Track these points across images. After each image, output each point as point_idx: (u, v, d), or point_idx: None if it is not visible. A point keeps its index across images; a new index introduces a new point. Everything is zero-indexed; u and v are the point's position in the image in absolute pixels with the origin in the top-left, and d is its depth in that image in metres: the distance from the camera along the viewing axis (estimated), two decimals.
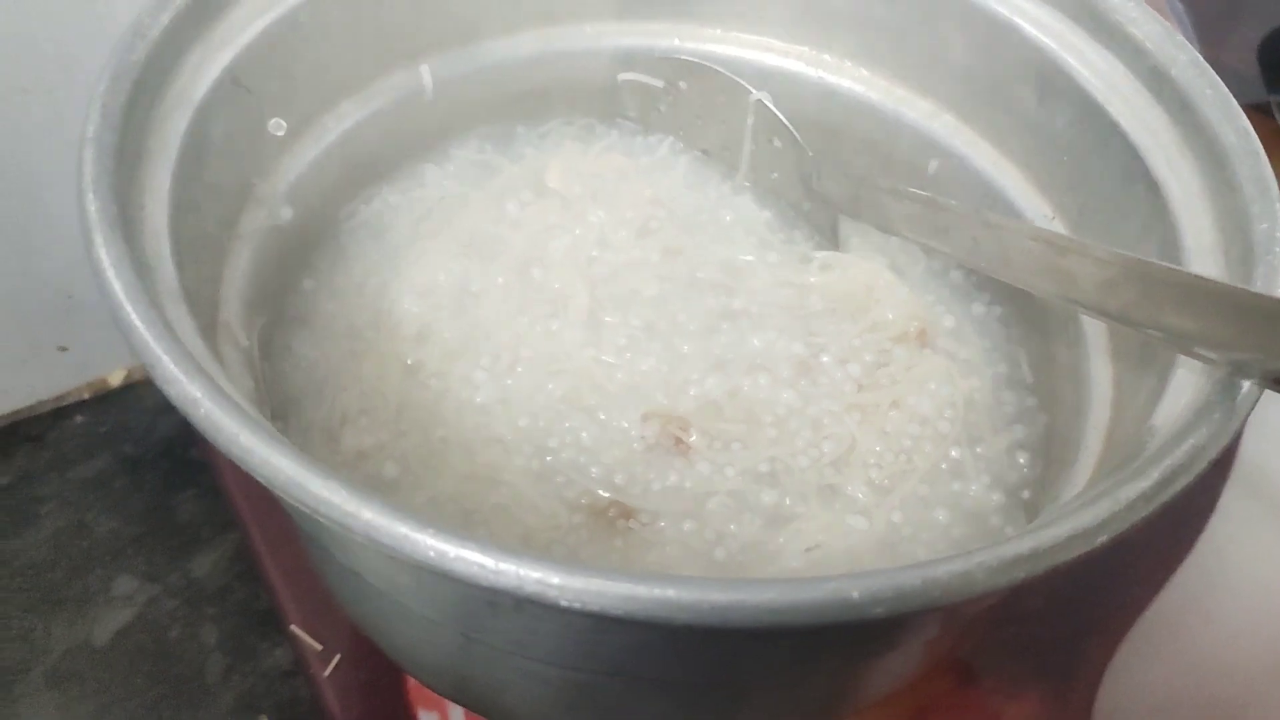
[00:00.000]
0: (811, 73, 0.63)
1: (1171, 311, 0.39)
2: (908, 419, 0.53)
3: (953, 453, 0.53)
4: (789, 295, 0.57)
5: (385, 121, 0.59)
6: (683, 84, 0.62)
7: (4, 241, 0.72)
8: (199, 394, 0.34)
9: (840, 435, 0.52)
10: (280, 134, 0.54)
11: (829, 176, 0.57)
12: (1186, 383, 0.40)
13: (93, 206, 0.39)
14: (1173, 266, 0.40)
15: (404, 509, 0.32)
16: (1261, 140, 0.88)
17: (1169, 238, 0.47)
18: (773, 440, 0.52)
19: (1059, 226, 0.55)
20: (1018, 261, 0.45)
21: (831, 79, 0.62)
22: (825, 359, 0.55)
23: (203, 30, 0.48)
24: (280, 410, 0.51)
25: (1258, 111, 0.91)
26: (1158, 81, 0.49)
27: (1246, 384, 0.36)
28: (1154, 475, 0.34)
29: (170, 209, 0.44)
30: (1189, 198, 0.47)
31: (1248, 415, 0.36)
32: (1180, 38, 0.49)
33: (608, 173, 0.60)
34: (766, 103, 0.59)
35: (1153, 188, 0.48)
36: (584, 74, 0.64)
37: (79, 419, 0.85)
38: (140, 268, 0.39)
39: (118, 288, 0.37)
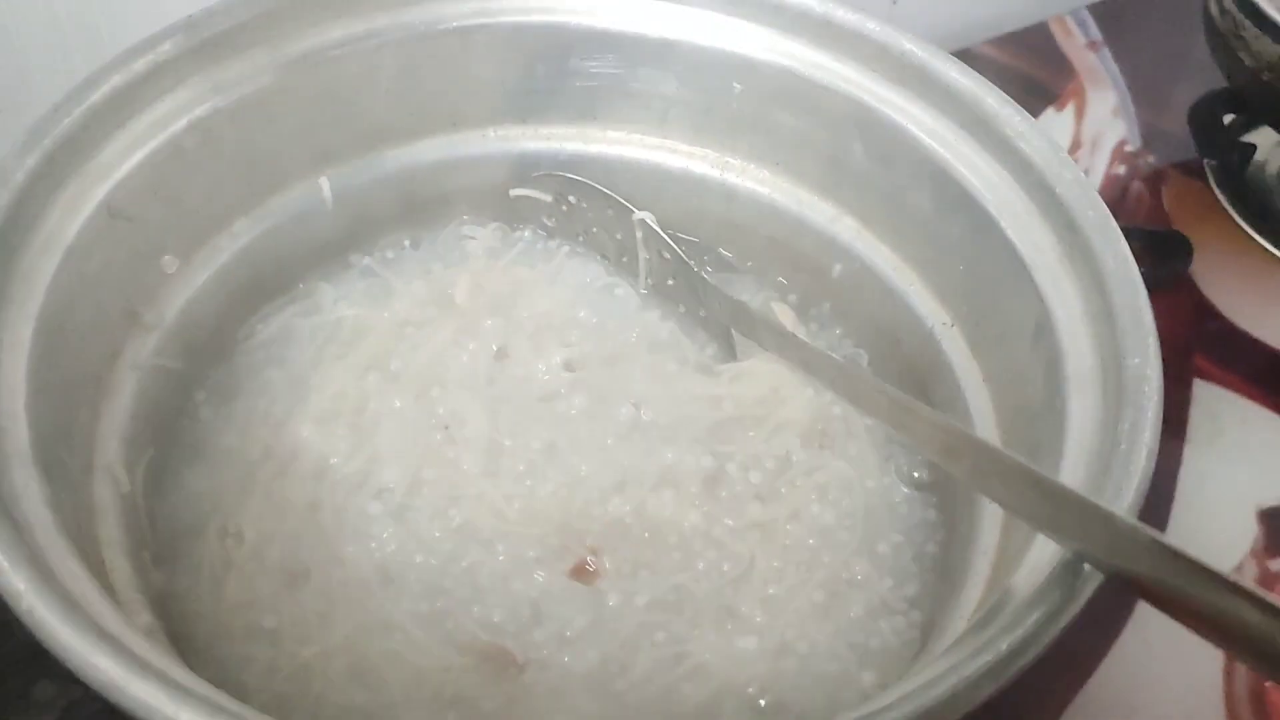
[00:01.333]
0: (715, 174, 0.62)
1: (1006, 492, 0.38)
2: (807, 531, 0.53)
3: (850, 562, 0.52)
4: (697, 407, 0.57)
5: (283, 237, 0.59)
6: (572, 198, 0.61)
7: None
8: (22, 586, 0.33)
9: (740, 554, 0.52)
10: (172, 271, 0.53)
11: (711, 295, 0.56)
12: (1046, 543, 0.39)
13: None
14: (998, 449, 0.40)
15: (225, 709, 0.31)
16: (1192, 202, 0.88)
17: (1053, 360, 0.46)
18: (678, 564, 0.51)
19: (957, 334, 0.55)
20: (872, 408, 0.45)
21: (735, 180, 0.62)
22: (731, 468, 0.55)
23: (75, 167, 0.48)
24: (169, 550, 0.50)
25: (1190, 174, 0.91)
26: (1044, 197, 0.49)
27: (1088, 566, 0.36)
28: (999, 649, 0.33)
29: (31, 358, 0.43)
30: (1072, 320, 0.46)
31: (1089, 595, 0.35)
32: (1066, 155, 0.49)
33: (510, 285, 0.60)
34: (650, 223, 0.59)
35: (1040, 305, 0.48)
36: (488, 179, 0.63)
37: None
38: None
39: None
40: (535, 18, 0.59)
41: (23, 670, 0.76)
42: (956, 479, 0.41)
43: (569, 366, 0.58)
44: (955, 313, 0.55)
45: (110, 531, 0.46)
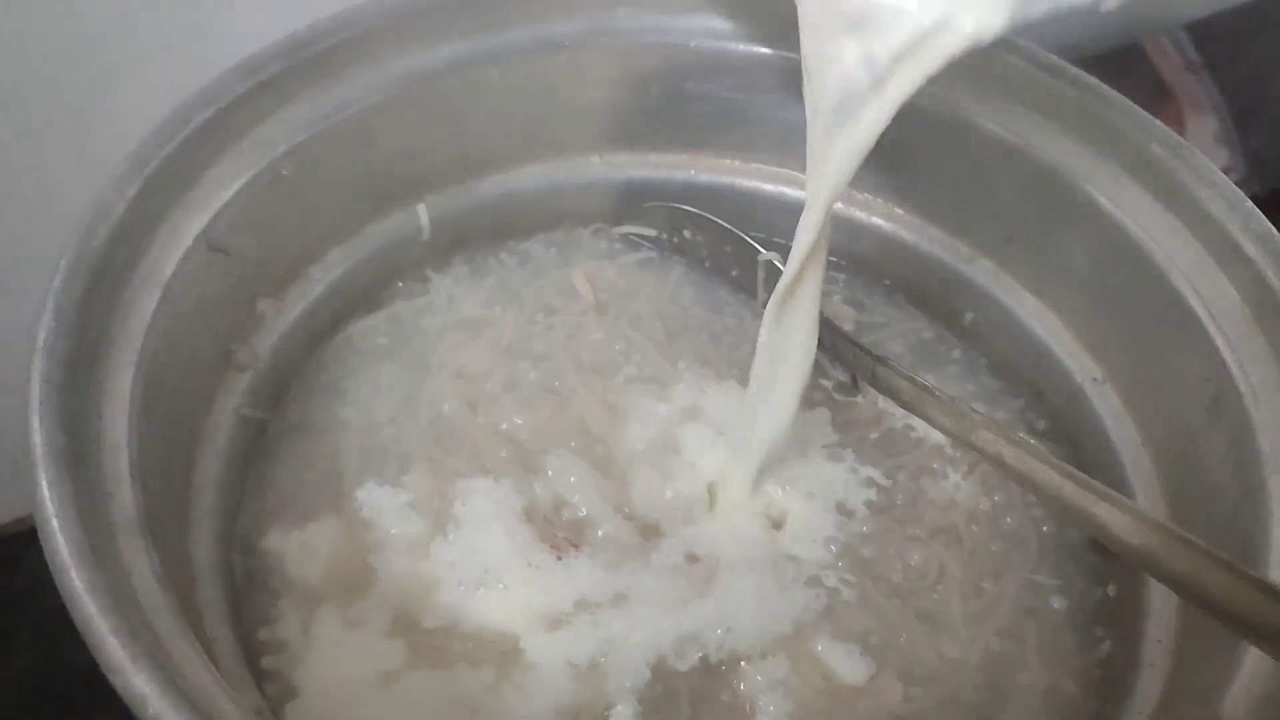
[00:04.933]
0: (838, 208, 0.58)
1: (1188, 584, 0.34)
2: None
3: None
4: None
5: (378, 263, 0.55)
6: (687, 232, 0.57)
7: None
8: (147, 690, 0.29)
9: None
10: (271, 313, 0.50)
11: (846, 347, 0.52)
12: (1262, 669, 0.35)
13: (39, 438, 0.34)
14: (1176, 531, 0.34)
15: None
16: None
17: (1240, 432, 0.42)
18: None
19: (1110, 392, 0.51)
20: (1048, 494, 0.39)
21: (860, 215, 0.58)
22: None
23: (174, 198, 0.44)
24: (265, 611, 0.46)
25: None
26: (1225, 249, 0.45)
27: None
28: None
29: (133, 407, 0.39)
30: (1266, 388, 0.42)
31: None
32: (1250, 204, 0.45)
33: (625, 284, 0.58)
34: (777, 263, 0.54)
35: (1220, 368, 0.44)
36: (592, 209, 0.59)
37: None
38: (94, 501, 0.35)
39: (62, 546, 0.32)
40: (651, 39, 0.55)
41: (76, 705, 0.73)
42: (1162, 580, 0.36)
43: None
44: (1109, 369, 0.51)
45: (208, 595, 0.42)
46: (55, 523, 0.33)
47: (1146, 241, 0.47)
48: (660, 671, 0.44)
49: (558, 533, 0.47)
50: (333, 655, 0.44)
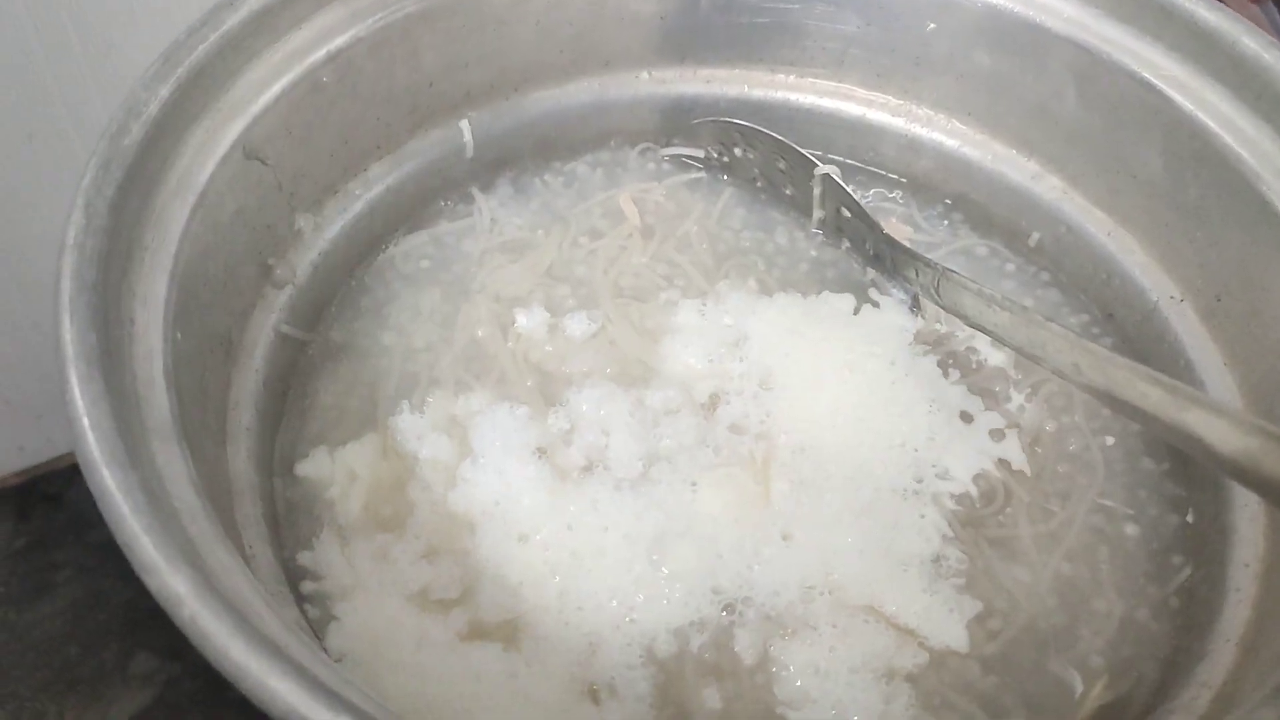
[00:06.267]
0: (897, 123, 0.56)
1: None
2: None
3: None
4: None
5: (420, 181, 0.53)
6: (738, 150, 0.55)
7: (20, 299, 0.67)
8: (183, 590, 0.28)
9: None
10: (310, 229, 0.48)
11: (904, 260, 0.49)
12: None
13: (69, 336, 0.33)
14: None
15: None
16: None
17: None
18: None
19: (1188, 310, 0.48)
20: (1128, 401, 0.36)
21: (920, 131, 0.55)
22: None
23: (209, 101, 0.42)
24: (304, 530, 0.45)
25: None
26: None
27: None
28: None
29: (167, 315, 0.38)
30: None
31: None
32: None
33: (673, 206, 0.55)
34: (835, 178, 0.52)
35: None
36: (641, 125, 0.57)
37: None
38: (126, 404, 0.33)
39: (93, 444, 0.31)
40: None
41: (119, 641, 0.72)
42: (1256, 491, 0.34)
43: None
44: (1187, 286, 0.48)
45: (247, 511, 0.40)
46: (86, 420, 0.31)
47: (1232, 146, 0.44)
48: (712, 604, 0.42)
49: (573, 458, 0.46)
50: (373, 593, 0.43)
